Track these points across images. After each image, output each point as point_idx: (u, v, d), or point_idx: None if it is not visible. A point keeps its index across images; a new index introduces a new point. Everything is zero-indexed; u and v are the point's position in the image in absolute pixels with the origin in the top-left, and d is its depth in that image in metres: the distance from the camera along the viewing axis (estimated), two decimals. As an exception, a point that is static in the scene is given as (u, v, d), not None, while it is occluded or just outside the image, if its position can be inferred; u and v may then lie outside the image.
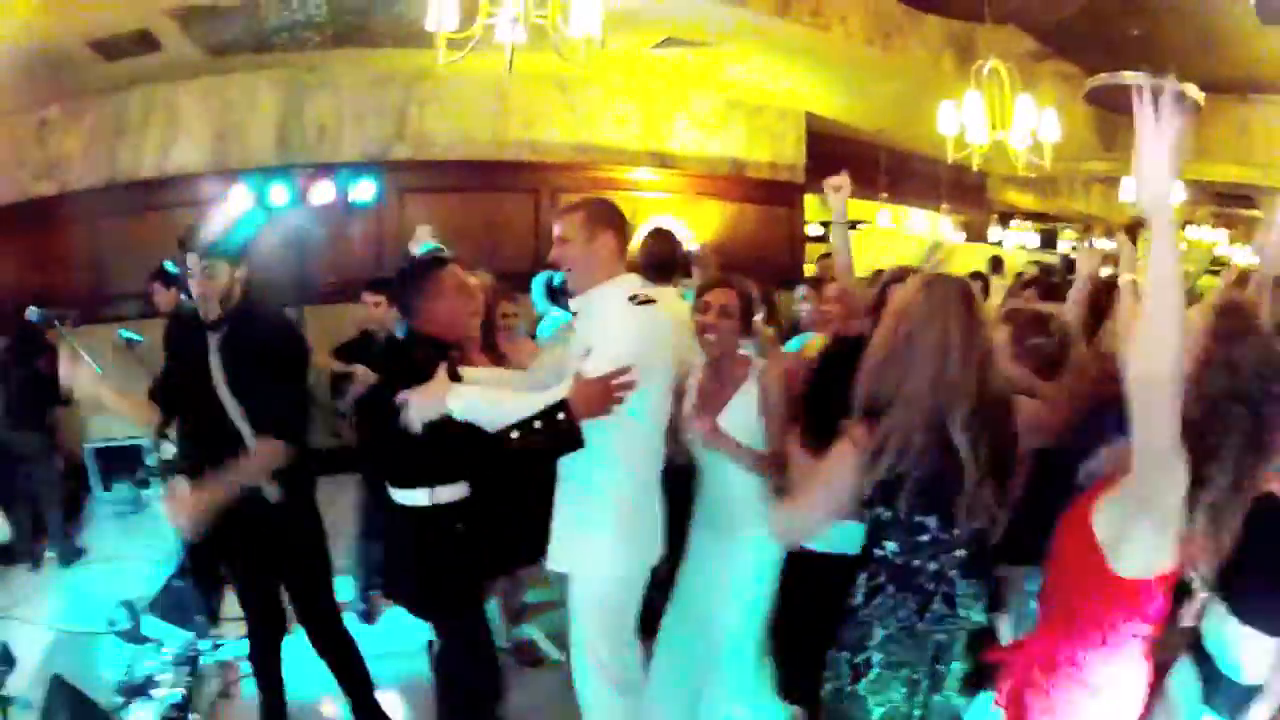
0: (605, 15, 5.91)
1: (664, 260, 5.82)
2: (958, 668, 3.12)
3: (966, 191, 17.97)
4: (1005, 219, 20.51)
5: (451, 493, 4.18)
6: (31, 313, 6.32)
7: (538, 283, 7.44)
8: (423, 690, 5.26)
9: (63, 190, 11.26)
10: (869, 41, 10.17)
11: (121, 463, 9.72)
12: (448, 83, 11.68)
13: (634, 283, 4.04)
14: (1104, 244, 19.83)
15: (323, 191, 10.30)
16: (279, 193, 10.23)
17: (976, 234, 19.47)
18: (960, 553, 3.07)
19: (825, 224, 16.39)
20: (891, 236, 17.35)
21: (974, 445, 2.95)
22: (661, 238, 6.04)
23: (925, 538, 3.05)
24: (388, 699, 5.15)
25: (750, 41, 10.55)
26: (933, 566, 3.07)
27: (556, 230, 4.02)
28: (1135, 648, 2.75)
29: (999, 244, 19.83)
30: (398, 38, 10.17)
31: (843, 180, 5.31)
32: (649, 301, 3.86)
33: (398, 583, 4.62)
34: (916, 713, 3.11)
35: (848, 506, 3.15)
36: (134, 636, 5.96)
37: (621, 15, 6.31)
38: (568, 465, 3.99)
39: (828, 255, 10.17)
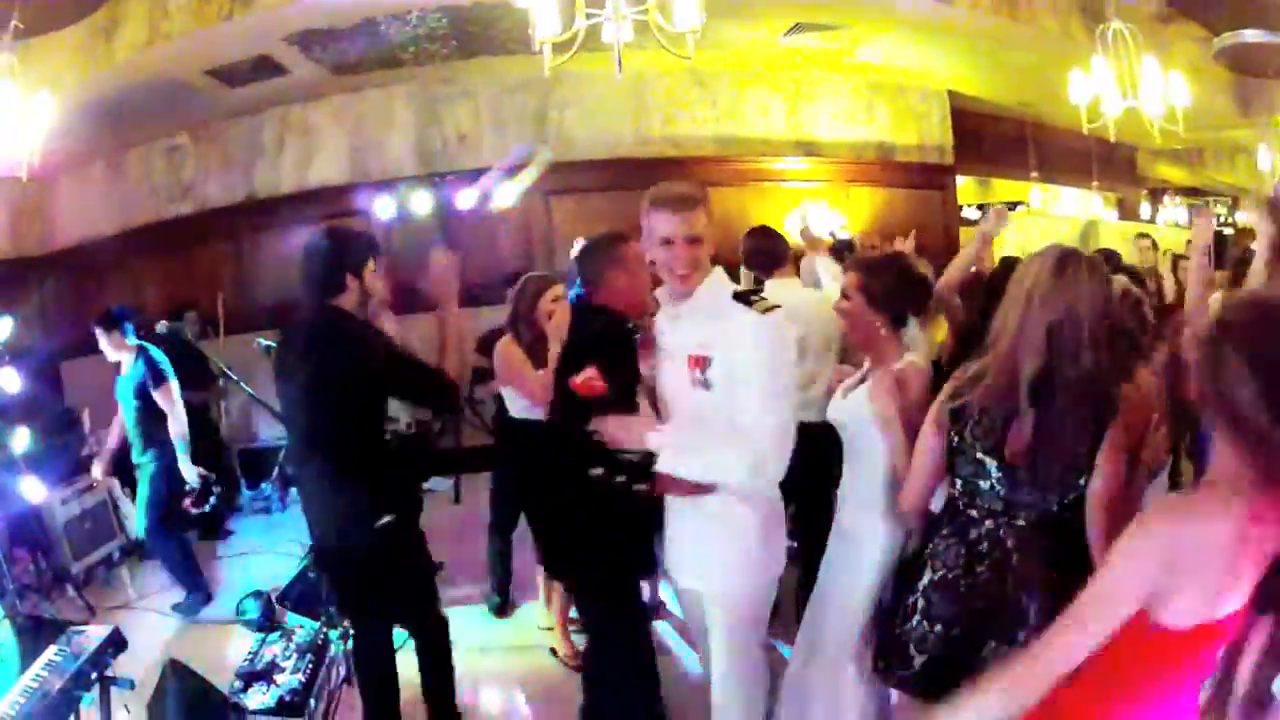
0: (730, 5, 5.89)
1: (766, 254, 5.98)
2: (1005, 651, 3.00)
3: (1117, 168, 17.46)
4: (1156, 195, 19.95)
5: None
6: (160, 326, 6.60)
7: None
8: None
9: (200, 209, 11.79)
10: (995, 11, 9.97)
11: (264, 464, 10.05)
12: (585, 84, 11.79)
13: (722, 275, 3.77)
14: (1243, 216, 19.30)
15: (465, 198, 10.49)
16: (422, 200, 10.55)
17: (1130, 212, 18.96)
18: (1021, 523, 3.10)
19: (981, 206, 16.19)
20: (1042, 217, 16.98)
21: (1041, 399, 3.02)
22: (762, 234, 6.15)
23: (985, 484, 3.15)
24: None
25: (876, 21, 10.47)
26: (988, 525, 3.15)
27: (687, 229, 3.59)
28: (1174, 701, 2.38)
29: (1150, 221, 19.29)
30: (527, 43, 10.17)
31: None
32: (774, 307, 3.69)
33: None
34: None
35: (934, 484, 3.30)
36: (264, 625, 6.15)
37: (745, 4, 6.26)
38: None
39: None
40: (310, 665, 5.25)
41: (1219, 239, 18.64)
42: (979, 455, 3.19)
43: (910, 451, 3.59)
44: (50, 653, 4.69)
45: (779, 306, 3.61)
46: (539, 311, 5.40)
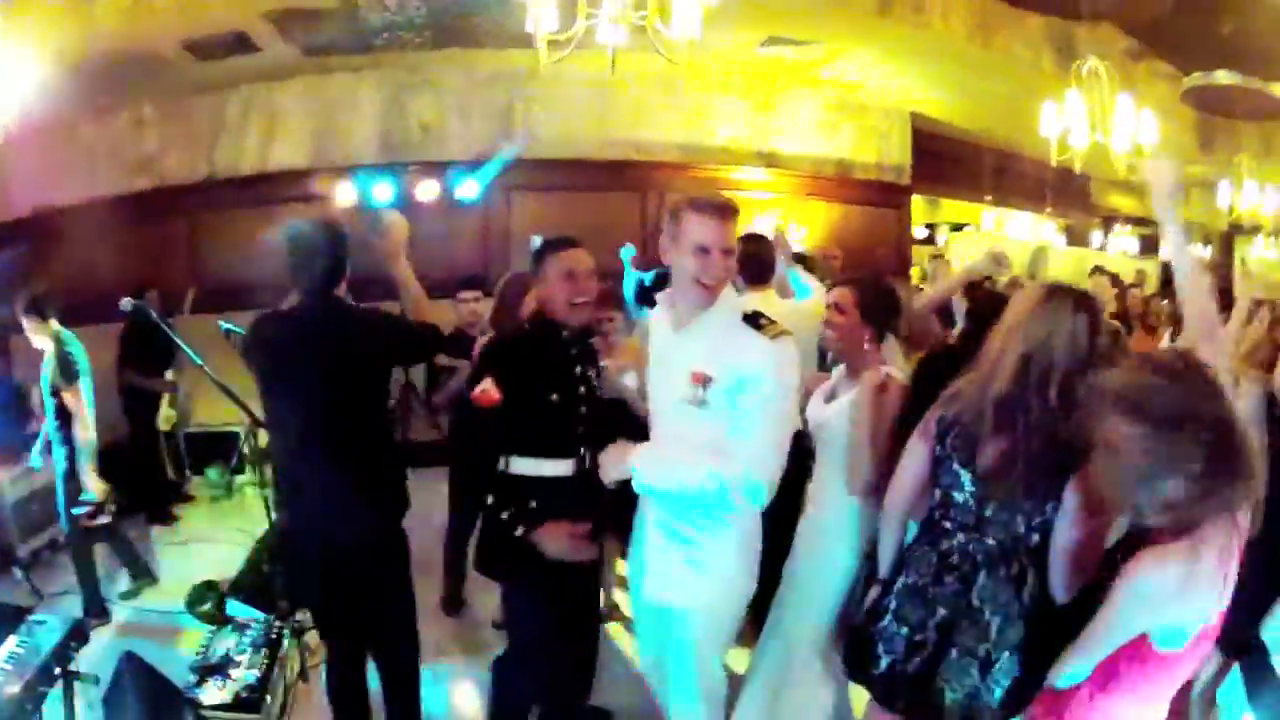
0: (707, 12, 5.89)
1: (760, 263, 5.95)
2: (966, 662, 3.27)
3: (1071, 195, 17.69)
4: (1108, 224, 20.26)
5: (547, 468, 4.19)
6: (125, 303, 6.40)
7: (629, 283, 7.28)
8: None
9: (160, 184, 11.59)
10: (970, 38, 10.10)
11: (214, 448, 10.03)
12: (553, 82, 11.68)
13: (734, 293, 3.86)
14: (1200, 250, 19.63)
15: (428, 189, 10.54)
16: (383, 190, 10.55)
17: (1079, 239, 19.21)
18: (990, 542, 3.31)
19: (931, 225, 16.35)
20: (994, 241, 17.12)
21: (1017, 421, 3.22)
22: (757, 241, 6.05)
23: (959, 496, 3.37)
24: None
25: (853, 39, 10.52)
26: (960, 538, 3.37)
27: (725, 239, 3.64)
28: (1165, 693, 2.83)
29: (1102, 249, 19.57)
30: (500, 38, 10.26)
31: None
32: (784, 333, 3.71)
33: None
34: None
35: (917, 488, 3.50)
36: (214, 617, 6.11)
37: (722, 12, 6.27)
38: (676, 502, 3.81)
39: (939, 256, 10.19)
40: (265, 661, 5.24)
41: (1164, 268, 19.02)
42: (955, 467, 3.39)
43: (880, 456, 3.98)
44: (10, 644, 4.60)
45: (789, 333, 3.68)
46: (526, 309, 5.37)
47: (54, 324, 6.97)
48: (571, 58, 10.41)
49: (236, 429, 9.86)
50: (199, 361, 6.02)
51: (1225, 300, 4.68)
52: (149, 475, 9.50)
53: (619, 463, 3.73)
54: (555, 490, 4.18)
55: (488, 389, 4.04)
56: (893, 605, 3.48)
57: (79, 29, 8.10)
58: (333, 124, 11.64)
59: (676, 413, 3.74)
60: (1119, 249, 20.25)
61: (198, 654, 5.38)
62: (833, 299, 4.45)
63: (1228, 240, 19.57)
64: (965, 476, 3.35)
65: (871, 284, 4.49)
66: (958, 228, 18.17)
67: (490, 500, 4.15)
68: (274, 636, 5.53)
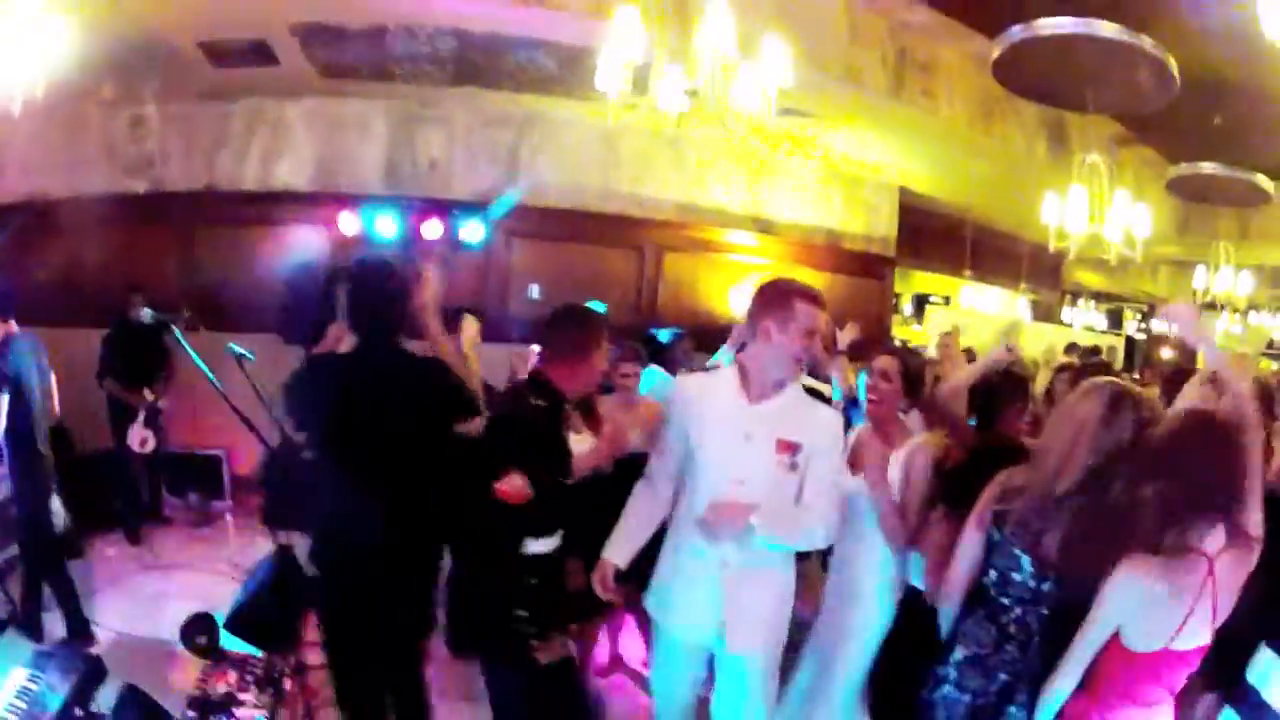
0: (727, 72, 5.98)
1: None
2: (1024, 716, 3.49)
3: (1043, 271, 18.02)
4: (1073, 298, 20.56)
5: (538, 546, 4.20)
6: (144, 314, 6.23)
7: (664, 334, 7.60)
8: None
9: (156, 189, 11.40)
10: (971, 124, 10.24)
11: (193, 471, 9.87)
12: (560, 130, 11.79)
13: None
14: (1164, 326, 19.96)
15: (432, 227, 10.47)
16: (387, 223, 10.48)
17: (1045, 313, 19.47)
18: (1045, 611, 3.49)
19: (920, 298, 16.55)
20: (969, 315, 17.32)
21: (1081, 516, 3.43)
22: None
23: (1019, 576, 3.54)
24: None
25: (862, 116, 10.63)
26: (1018, 611, 3.54)
27: (819, 323, 4.23)
28: (1163, 707, 3.25)
29: (1069, 325, 19.86)
30: (518, 81, 10.31)
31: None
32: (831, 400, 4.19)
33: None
34: None
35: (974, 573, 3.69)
36: (209, 651, 5.96)
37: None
38: (742, 550, 4.10)
39: (949, 333, 10.36)
40: (272, 701, 5.22)
41: (1128, 343, 19.24)
42: (1015, 551, 3.55)
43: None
44: (21, 679, 4.53)
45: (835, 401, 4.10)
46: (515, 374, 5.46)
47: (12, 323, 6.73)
48: (578, 107, 10.55)
49: (217, 452, 9.77)
50: (218, 384, 5.98)
51: (1181, 378, 5.18)
52: (126, 493, 9.35)
53: (734, 522, 3.97)
54: (552, 567, 4.28)
55: (518, 485, 3.96)
56: (953, 676, 3.63)
57: (103, 6, 7.79)
58: (339, 148, 11.52)
59: (765, 477, 4.07)
60: (1084, 322, 20.58)
61: (196, 689, 5.31)
62: (880, 367, 4.79)
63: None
64: (1025, 560, 3.51)
65: (910, 355, 5.05)
66: (945, 300, 18.38)
67: (502, 590, 4.12)
68: (277, 675, 5.51)
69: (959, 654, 3.64)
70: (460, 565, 4.39)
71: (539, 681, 4.20)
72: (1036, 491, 3.52)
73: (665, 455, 4.34)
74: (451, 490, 4.25)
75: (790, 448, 4.09)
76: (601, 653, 6.58)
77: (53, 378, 6.86)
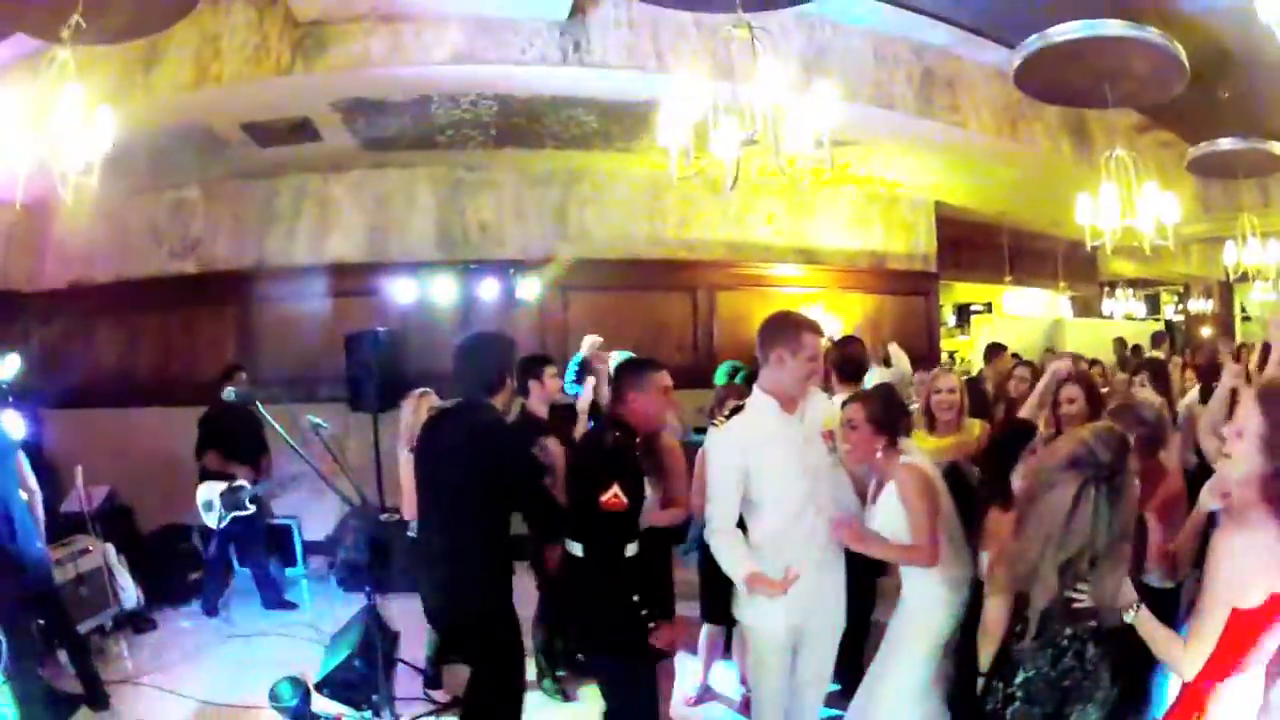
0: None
1: (856, 363, 6.94)
2: (1093, 712, 3.70)
3: (1079, 266, 18.06)
4: (1110, 288, 20.47)
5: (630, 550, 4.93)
6: (229, 393, 6.42)
7: (722, 372, 7.74)
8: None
9: (206, 269, 11.59)
10: (999, 133, 10.29)
11: (269, 540, 9.87)
12: (605, 183, 12.03)
13: None
14: (1201, 304, 19.84)
15: (488, 287, 10.61)
16: (443, 286, 10.58)
17: (1085, 308, 19.43)
18: (1093, 622, 3.63)
19: (962, 308, 16.57)
20: (1013, 319, 17.35)
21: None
22: (853, 344, 7.02)
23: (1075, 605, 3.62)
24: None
25: (893, 138, 10.71)
26: (1069, 630, 3.67)
27: (820, 349, 4.96)
28: (1255, 672, 3.36)
29: (1110, 316, 19.78)
30: (560, 138, 10.44)
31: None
32: None
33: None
34: None
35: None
36: (301, 713, 6.16)
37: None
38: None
39: (997, 349, 10.58)
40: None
41: (1168, 325, 19.18)
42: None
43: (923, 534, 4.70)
44: None
45: None
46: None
47: None
48: (621, 159, 10.67)
49: (288, 521, 9.88)
50: (301, 452, 6.08)
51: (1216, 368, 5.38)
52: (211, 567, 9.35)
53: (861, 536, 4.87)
54: (641, 567, 4.97)
55: (620, 496, 4.73)
56: (1019, 694, 3.78)
57: (136, 98, 8.06)
58: (388, 218, 11.68)
59: (824, 468, 4.93)
60: (1124, 311, 20.47)
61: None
62: (846, 416, 5.07)
63: (1226, 289, 20.02)
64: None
65: (876, 396, 5.27)
66: (987, 308, 18.39)
67: (618, 584, 4.81)
68: (374, 732, 5.61)
69: (1021, 675, 3.79)
70: (578, 570, 4.96)
71: (640, 672, 4.87)
72: (1013, 593, 3.86)
73: (726, 506, 4.83)
74: (575, 504, 4.98)
75: (829, 436, 4.96)
76: (690, 683, 6.82)
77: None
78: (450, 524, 5.12)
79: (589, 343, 7.14)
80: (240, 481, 8.81)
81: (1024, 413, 6.16)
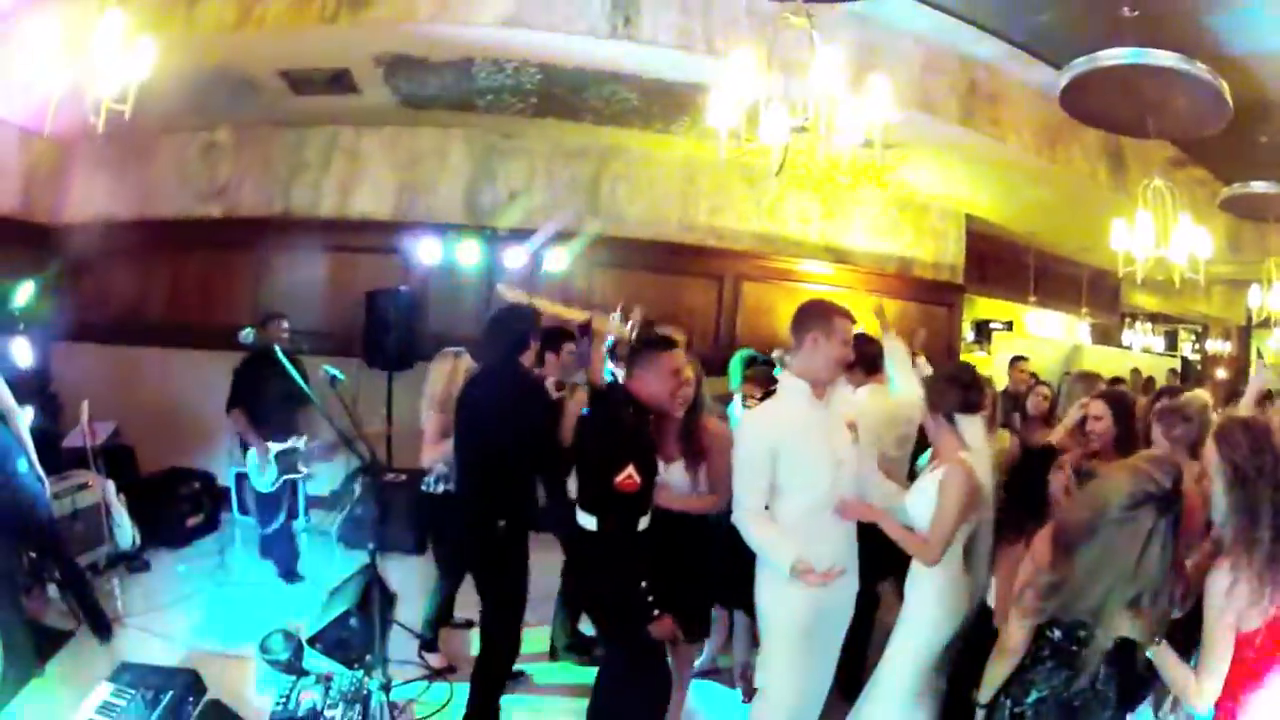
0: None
1: (874, 359, 6.87)
2: None
3: (1102, 294, 17.98)
4: (1131, 320, 20.44)
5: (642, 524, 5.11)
6: (245, 335, 6.36)
7: (737, 360, 7.80)
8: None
9: (230, 215, 11.52)
10: (1038, 151, 10.26)
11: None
12: (639, 163, 11.97)
13: None
14: (1219, 345, 19.81)
15: (516, 256, 10.52)
16: (470, 251, 10.51)
17: (1102, 336, 19.36)
18: (1109, 645, 3.65)
19: (980, 324, 16.55)
20: (1032, 340, 17.28)
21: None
22: (871, 342, 6.90)
23: (1083, 633, 3.68)
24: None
25: (933, 144, 10.67)
26: (1084, 651, 3.69)
27: (852, 334, 5.01)
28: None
29: (1129, 347, 19.73)
30: (599, 115, 10.40)
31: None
32: None
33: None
34: None
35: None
36: (292, 667, 6.07)
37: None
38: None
39: (1020, 359, 10.54)
40: (360, 717, 5.24)
41: (1184, 364, 19.20)
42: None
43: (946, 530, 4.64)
44: (106, 693, 4.53)
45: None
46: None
47: None
48: (658, 140, 10.63)
49: (294, 477, 9.84)
50: (317, 403, 6.08)
51: (1235, 391, 5.39)
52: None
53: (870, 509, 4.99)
54: (651, 540, 5.13)
55: (635, 477, 4.86)
56: (1030, 714, 3.83)
57: (176, 34, 7.92)
58: (418, 178, 11.59)
59: (849, 454, 5.00)
60: (1142, 344, 20.45)
61: (278, 704, 5.36)
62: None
63: (1244, 333, 19.99)
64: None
65: (934, 373, 5.55)
66: (1008, 326, 18.31)
67: (631, 564, 4.95)
68: (365, 692, 5.55)
69: (1034, 695, 3.82)
70: (590, 545, 5.08)
71: (642, 655, 5.00)
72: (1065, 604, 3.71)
73: (757, 489, 4.86)
74: (590, 480, 5.16)
75: (852, 425, 5.10)
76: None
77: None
78: (489, 476, 5.79)
79: (610, 319, 7.13)
80: (296, 443, 8.72)
81: (1053, 438, 6.07)
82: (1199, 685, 3.50)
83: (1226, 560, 3.48)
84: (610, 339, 6.53)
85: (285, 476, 8.74)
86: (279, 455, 8.62)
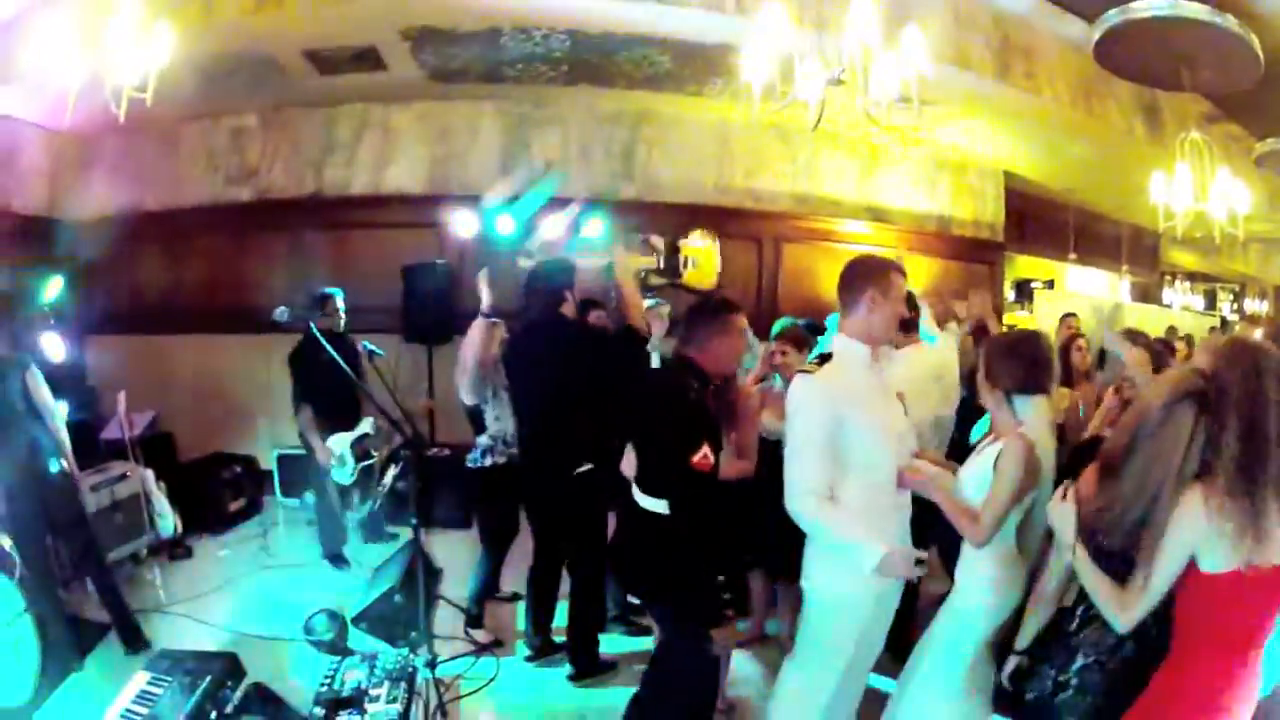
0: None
1: (910, 319, 6.64)
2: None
3: (1141, 252, 17.82)
4: (1170, 278, 20.25)
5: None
6: (280, 313, 6.37)
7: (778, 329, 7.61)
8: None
9: (261, 197, 11.49)
10: (1074, 104, 10.13)
11: (303, 472, 9.71)
12: (673, 126, 11.88)
13: None
14: (1256, 305, 19.60)
15: (552, 225, 10.26)
16: (506, 222, 10.35)
17: (1141, 294, 19.19)
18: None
19: (1021, 283, 16.45)
20: (1073, 298, 17.13)
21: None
22: (911, 302, 6.56)
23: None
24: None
25: (969, 101, 10.56)
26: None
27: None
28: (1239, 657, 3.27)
29: (1169, 306, 19.54)
30: (633, 79, 10.31)
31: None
32: None
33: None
34: None
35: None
36: (336, 647, 5.97)
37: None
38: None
39: (1071, 315, 10.45)
40: (405, 694, 5.17)
41: (1223, 324, 19.06)
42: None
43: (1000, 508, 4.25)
44: (143, 681, 4.50)
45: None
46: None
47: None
48: (691, 103, 10.54)
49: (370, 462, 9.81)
50: (356, 381, 6.16)
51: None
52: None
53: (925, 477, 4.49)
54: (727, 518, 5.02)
55: (709, 455, 4.56)
56: (1075, 681, 3.69)
57: (196, 19, 7.93)
58: (452, 151, 11.52)
59: (904, 424, 4.67)
60: (1182, 304, 20.27)
61: (323, 685, 5.31)
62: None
63: (1280, 292, 19.75)
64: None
65: (994, 342, 4.88)
66: (1048, 284, 18.16)
67: (705, 560, 4.68)
68: (410, 670, 5.49)
69: (1080, 661, 3.70)
70: (660, 530, 4.75)
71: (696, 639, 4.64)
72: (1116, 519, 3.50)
73: (823, 469, 4.30)
74: (659, 460, 4.79)
75: (900, 397, 4.79)
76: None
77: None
78: (550, 427, 6.31)
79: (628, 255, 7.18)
80: (365, 429, 8.63)
81: (1091, 429, 5.86)
82: (1126, 599, 3.38)
83: (1217, 483, 3.23)
84: (642, 271, 6.64)
85: (362, 464, 8.61)
86: (354, 444, 8.52)
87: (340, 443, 8.40)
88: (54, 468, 6.38)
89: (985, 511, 4.23)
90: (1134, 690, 3.46)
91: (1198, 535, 3.20)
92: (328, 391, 8.08)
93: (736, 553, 5.51)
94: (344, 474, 8.45)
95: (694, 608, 4.64)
